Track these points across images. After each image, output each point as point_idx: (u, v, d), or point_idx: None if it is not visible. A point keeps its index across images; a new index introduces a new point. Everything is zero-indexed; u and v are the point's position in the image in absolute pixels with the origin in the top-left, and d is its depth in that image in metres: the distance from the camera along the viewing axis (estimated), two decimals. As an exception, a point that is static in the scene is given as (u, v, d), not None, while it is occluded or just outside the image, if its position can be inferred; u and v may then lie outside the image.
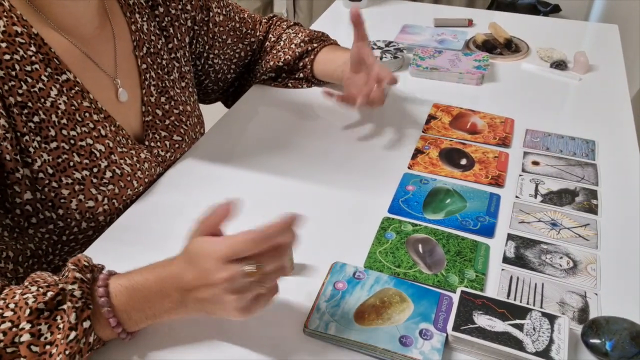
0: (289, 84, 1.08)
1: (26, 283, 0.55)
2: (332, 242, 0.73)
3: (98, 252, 0.71)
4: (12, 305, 0.53)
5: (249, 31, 1.04)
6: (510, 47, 1.25)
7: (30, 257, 0.72)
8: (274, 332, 0.60)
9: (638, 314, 0.63)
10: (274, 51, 1.05)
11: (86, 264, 0.56)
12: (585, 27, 1.45)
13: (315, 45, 1.03)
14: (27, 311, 0.52)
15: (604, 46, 1.29)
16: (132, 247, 0.72)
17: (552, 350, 0.56)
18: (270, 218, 0.77)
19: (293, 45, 1.03)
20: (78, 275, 0.54)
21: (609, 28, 1.38)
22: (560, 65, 1.16)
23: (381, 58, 1.16)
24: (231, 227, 0.76)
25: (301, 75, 1.06)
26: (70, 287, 0.53)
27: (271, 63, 1.05)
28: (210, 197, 0.81)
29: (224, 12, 0.98)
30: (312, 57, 1.03)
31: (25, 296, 0.53)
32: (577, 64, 1.15)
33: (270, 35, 1.07)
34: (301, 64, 1.04)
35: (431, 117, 1.00)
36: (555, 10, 2.49)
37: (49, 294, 0.53)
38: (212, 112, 1.08)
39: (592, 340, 0.58)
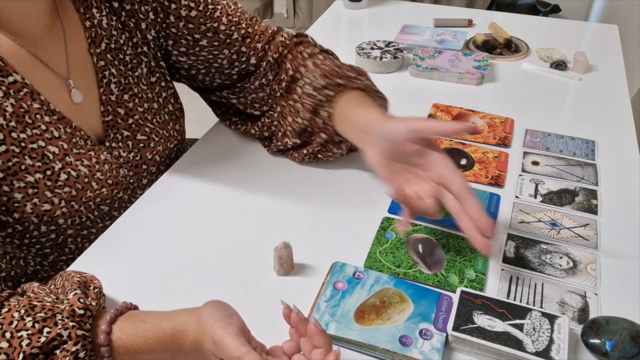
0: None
1: (22, 311, 0.53)
2: (332, 242, 0.73)
3: (102, 248, 0.72)
4: (7, 335, 0.51)
5: (239, 37, 0.87)
6: (510, 47, 1.25)
7: (4, 255, 0.71)
8: (274, 332, 0.60)
9: (638, 314, 0.63)
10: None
11: (82, 311, 0.53)
12: (585, 27, 1.45)
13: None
14: (21, 356, 0.50)
15: (603, 46, 1.29)
16: (135, 243, 0.72)
17: (552, 350, 0.56)
18: (269, 217, 0.77)
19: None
20: (80, 332, 0.52)
21: (608, 28, 1.38)
22: (560, 65, 1.17)
23: (381, 58, 1.16)
24: (230, 227, 0.76)
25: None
26: (73, 347, 0.51)
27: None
28: (213, 193, 0.82)
29: (199, 9, 0.83)
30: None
31: (20, 333, 0.51)
32: (577, 64, 1.15)
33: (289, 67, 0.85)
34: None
35: (431, 117, 1.00)
36: (555, 10, 2.49)
37: (45, 332, 0.51)
38: (212, 113, 1.07)
39: (592, 340, 0.58)
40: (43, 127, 0.70)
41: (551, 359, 0.55)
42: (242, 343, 0.49)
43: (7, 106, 0.67)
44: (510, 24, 1.35)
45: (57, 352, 0.51)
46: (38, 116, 0.70)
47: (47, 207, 0.70)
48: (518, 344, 0.57)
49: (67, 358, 0.50)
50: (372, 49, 1.20)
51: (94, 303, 0.55)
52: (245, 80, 0.89)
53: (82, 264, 0.70)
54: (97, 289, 0.58)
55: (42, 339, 0.51)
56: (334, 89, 0.79)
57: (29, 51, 0.71)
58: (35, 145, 0.69)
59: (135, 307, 0.59)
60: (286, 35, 0.89)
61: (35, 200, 0.69)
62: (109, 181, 0.77)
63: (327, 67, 0.81)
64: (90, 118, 0.78)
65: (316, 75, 0.81)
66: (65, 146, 0.72)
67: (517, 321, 0.59)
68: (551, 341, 0.57)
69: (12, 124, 0.67)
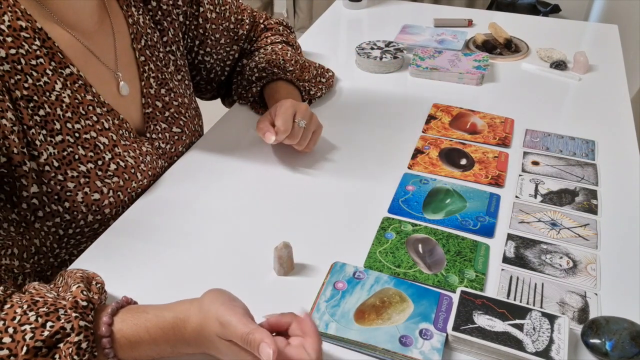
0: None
1: (25, 306, 0.53)
2: (332, 242, 0.73)
3: (103, 247, 0.72)
4: (10, 330, 0.51)
5: (245, 33, 1.03)
6: (510, 47, 1.25)
7: (35, 254, 0.72)
8: (274, 332, 0.60)
9: (638, 314, 0.63)
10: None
11: (85, 303, 0.54)
12: (585, 27, 1.45)
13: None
14: (24, 349, 0.50)
15: (603, 46, 1.29)
16: (137, 242, 0.72)
17: (552, 350, 0.56)
18: (269, 217, 0.77)
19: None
20: (82, 323, 0.52)
21: (609, 28, 1.38)
22: (560, 65, 1.16)
23: (381, 58, 1.16)
24: (230, 227, 0.76)
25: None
26: (76, 338, 0.51)
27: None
28: (213, 192, 0.82)
29: (217, 10, 0.96)
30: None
31: (23, 327, 0.51)
32: (577, 64, 1.15)
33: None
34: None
35: (431, 117, 1.00)
36: (555, 10, 2.50)
37: (48, 326, 0.51)
38: (216, 109, 1.07)
39: (592, 340, 0.58)
40: (95, 118, 0.74)
41: (551, 359, 0.55)
42: (249, 321, 0.51)
43: (64, 97, 0.70)
44: (510, 24, 1.35)
45: (61, 345, 0.51)
46: (90, 107, 0.73)
47: (96, 196, 0.73)
48: (518, 344, 0.57)
49: (70, 349, 0.51)
50: (372, 49, 1.20)
51: (96, 297, 0.56)
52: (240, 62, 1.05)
53: (85, 262, 0.70)
54: (99, 284, 0.58)
55: (46, 333, 0.51)
56: (268, 75, 0.98)
57: (83, 44, 0.74)
58: (88, 136, 0.72)
59: (135, 303, 0.59)
60: (266, 23, 1.08)
61: (87, 189, 0.72)
62: (150, 172, 0.81)
63: (273, 56, 0.99)
64: (132, 110, 0.82)
65: (262, 59, 0.99)
66: (114, 137, 0.76)
67: (517, 321, 0.59)
68: (551, 341, 0.57)
69: (68, 114, 0.70)
